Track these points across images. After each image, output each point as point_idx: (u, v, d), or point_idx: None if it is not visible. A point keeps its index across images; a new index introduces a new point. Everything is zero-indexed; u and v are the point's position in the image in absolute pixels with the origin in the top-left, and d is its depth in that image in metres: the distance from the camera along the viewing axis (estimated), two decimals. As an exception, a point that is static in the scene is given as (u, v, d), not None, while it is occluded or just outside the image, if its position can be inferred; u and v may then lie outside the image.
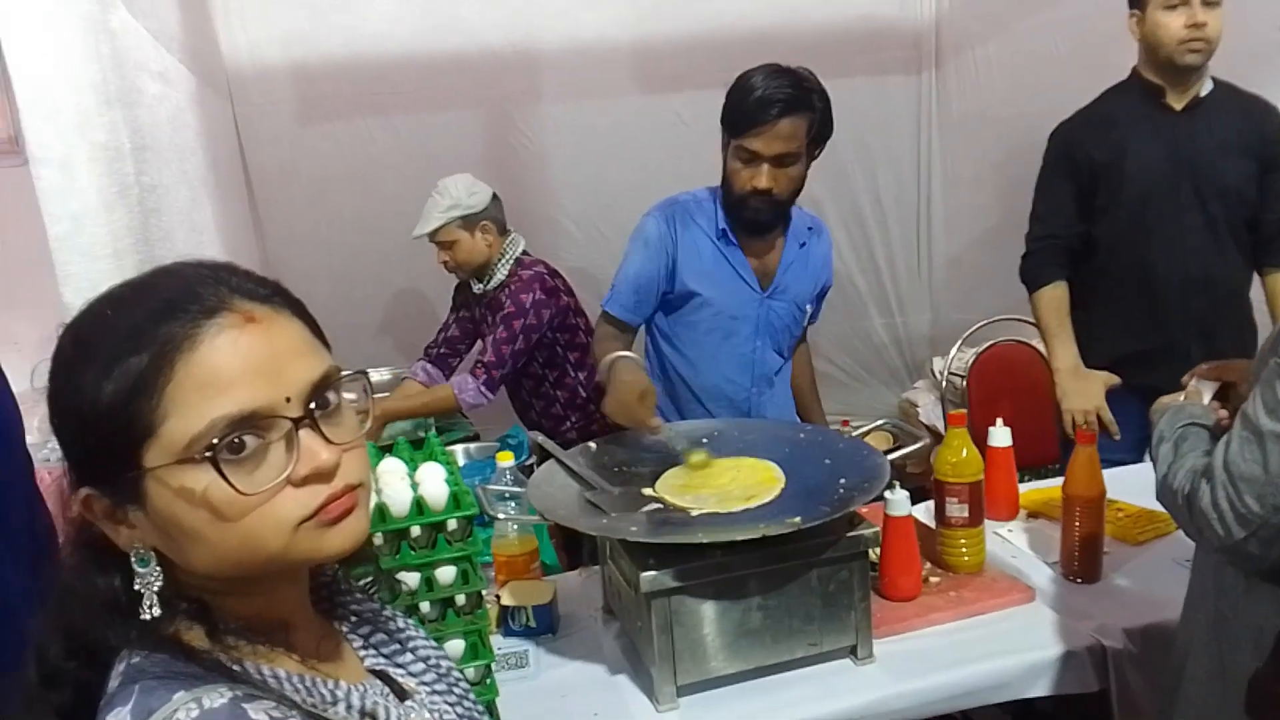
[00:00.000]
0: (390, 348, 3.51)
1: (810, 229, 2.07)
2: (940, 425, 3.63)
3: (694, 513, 1.45)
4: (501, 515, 1.55)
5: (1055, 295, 2.33)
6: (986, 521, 1.71)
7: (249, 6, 3.30)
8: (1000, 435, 1.86)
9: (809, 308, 2.11)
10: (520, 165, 3.70)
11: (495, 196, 2.74)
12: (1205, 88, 2.20)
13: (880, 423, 2.41)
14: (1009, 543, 1.80)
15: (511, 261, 2.67)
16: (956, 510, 1.64)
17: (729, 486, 1.52)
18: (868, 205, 4.07)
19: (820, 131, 1.87)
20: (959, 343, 3.14)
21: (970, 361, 2.92)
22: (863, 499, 1.39)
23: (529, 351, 2.57)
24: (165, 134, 1.52)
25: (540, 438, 1.69)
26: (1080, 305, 2.33)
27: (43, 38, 1.06)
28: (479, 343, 2.77)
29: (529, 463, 2.15)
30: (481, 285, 2.71)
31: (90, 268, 1.10)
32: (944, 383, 3.11)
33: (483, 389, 2.49)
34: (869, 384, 4.27)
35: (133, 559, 0.67)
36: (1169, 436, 1.25)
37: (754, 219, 1.93)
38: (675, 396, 2.10)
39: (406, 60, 3.48)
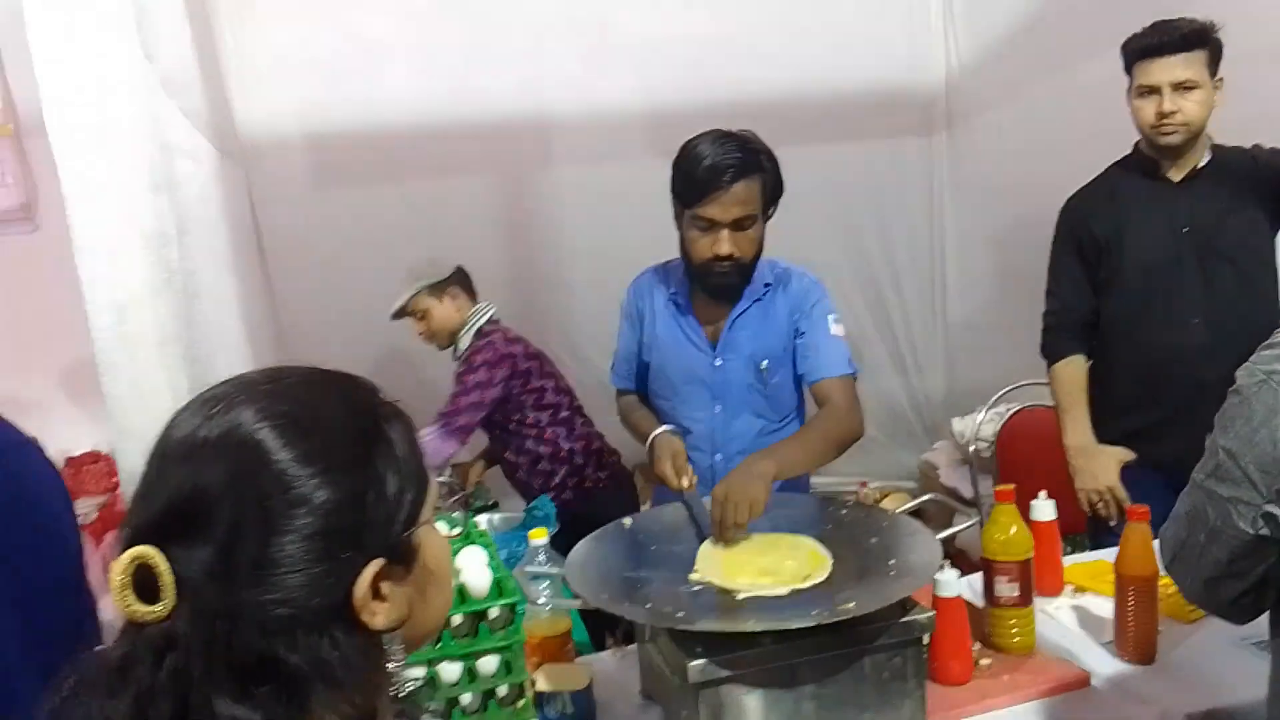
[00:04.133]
0: (410, 413, 3.48)
1: (769, 285, 1.98)
2: (962, 488, 3.58)
3: (740, 595, 1.40)
4: (543, 601, 1.50)
5: (1069, 371, 2.31)
6: (1034, 598, 1.66)
7: (263, 74, 3.32)
8: (1044, 509, 1.81)
9: (765, 364, 1.96)
10: (534, 230, 3.72)
11: (460, 268, 2.87)
12: (1203, 158, 2.19)
13: (913, 492, 2.32)
14: (1057, 621, 1.74)
15: (475, 329, 2.80)
16: (1006, 590, 1.59)
17: (776, 566, 1.47)
18: (882, 266, 4.08)
19: (773, 192, 1.88)
20: (985, 409, 3.10)
21: (997, 428, 2.88)
22: (917, 582, 1.34)
23: (488, 407, 2.69)
24: (197, 213, 1.50)
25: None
26: (1093, 381, 2.31)
27: (90, 122, 1.05)
28: None
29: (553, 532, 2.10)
30: (454, 353, 2.85)
31: (134, 357, 1.07)
32: (972, 448, 3.06)
33: (438, 435, 2.60)
34: (886, 445, 4.22)
35: (386, 642, 0.71)
36: None
37: (721, 284, 1.91)
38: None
39: (420, 127, 3.50)
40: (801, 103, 3.79)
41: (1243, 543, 1.05)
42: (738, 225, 1.83)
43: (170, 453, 0.67)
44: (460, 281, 2.84)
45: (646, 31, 3.58)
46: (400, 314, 2.85)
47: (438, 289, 2.78)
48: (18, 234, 2.96)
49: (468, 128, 3.53)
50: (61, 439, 3.19)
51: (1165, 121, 2.10)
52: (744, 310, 1.97)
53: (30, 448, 0.96)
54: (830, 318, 1.97)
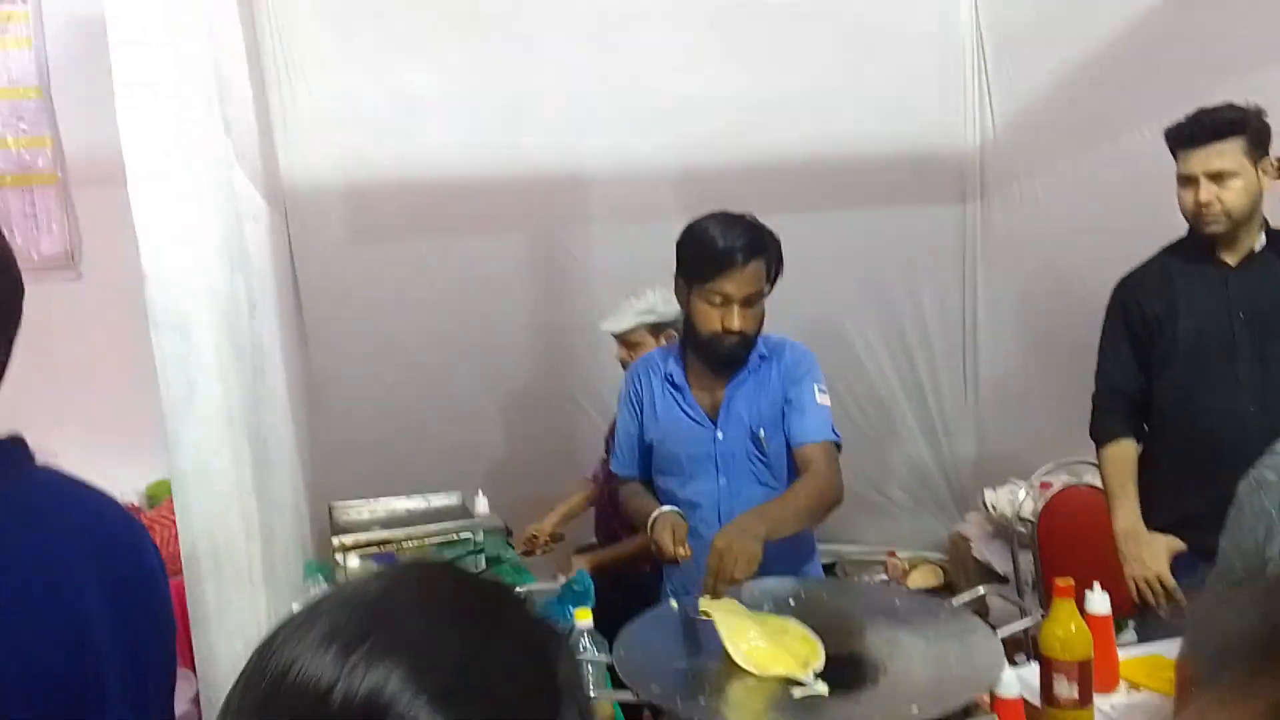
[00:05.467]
0: (442, 468, 3.41)
1: (763, 356, 2.05)
2: (994, 562, 3.52)
3: (797, 694, 1.37)
4: (592, 695, 1.46)
5: (1118, 453, 2.28)
6: (1090, 694, 1.61)
7: (307, 126, 3.35)
8: (1099, 602, 1.76)
9: (762, 432, 2.01)
10: (568, 285, 3.72)
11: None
12: (1259, 242, 2.17)
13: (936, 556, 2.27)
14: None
15: None
16: (1066, 691, 1.55)
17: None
18: (913, 331, 4.06)
19: (775, 269, 1.98)
20: (1026, 486, 3.05)
21: (1037, 506, 2.83)
22: (983, 685, 1.31)
23: None
24: (263, 283, 1.50)
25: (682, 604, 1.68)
26: (1143, 465, 2.28)
27: (174, 195, 1.05)
28: None
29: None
30: None
31: (203, 434, 1.06)
32: (1017, 526, 3.01)
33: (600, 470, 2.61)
34: (915, 513, 4.18)
35: None
36: None
37: (730, 355, 1.99)
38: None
39: (458, 182, 3.52)
40: (835, 166, 3.81)
41: None
42: (747, 301, 1.93)
43: (283, 699, 0.50)
44: (677, 326, 2.79)
45: (681, 92, 3.61)
46: (616, 335, 2.83)
47: (658, 329, 2.76)
48: (60, 281, 2.98)
49: (504, 183, 3.55)
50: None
51: (1205, 211, 2.09)
52: (741, 382, 2.03)
53: (144, 533, 0.92)
54: (816, 386, 2.04)
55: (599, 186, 3.68)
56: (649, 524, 1.89)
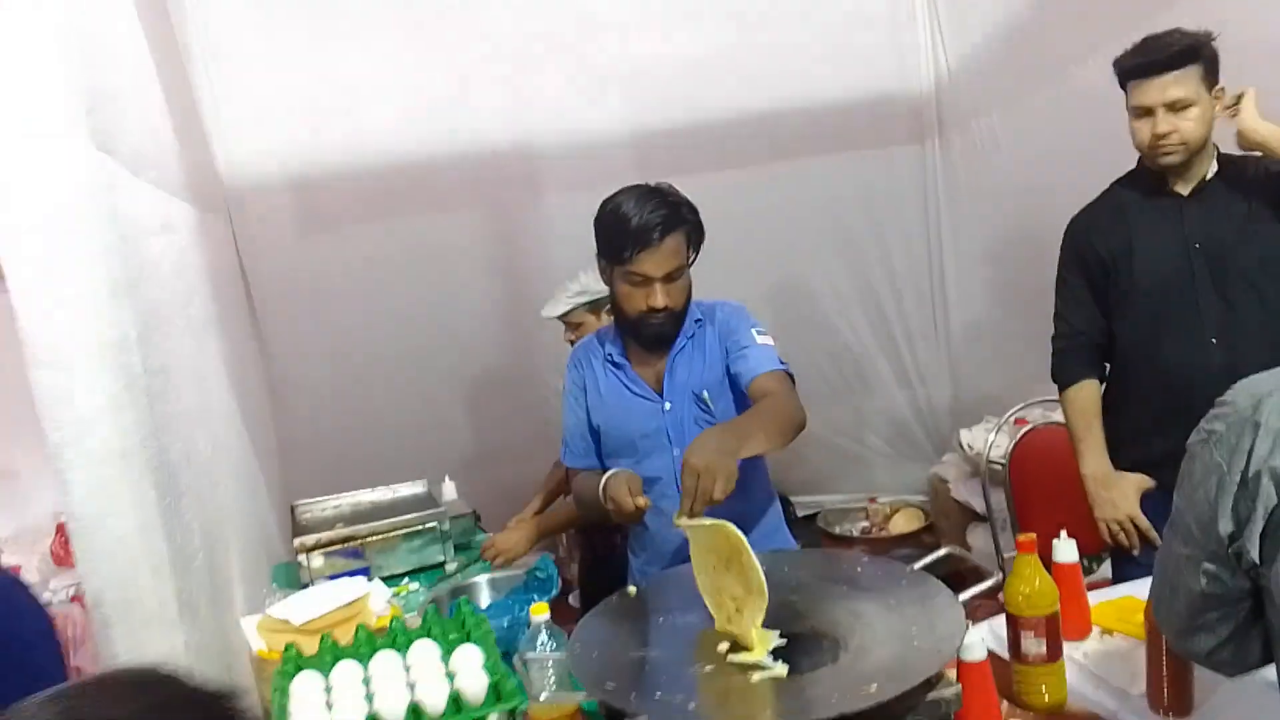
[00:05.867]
0: (412, 458, 3.36)
1: (699, 320, 2.03)
2: (973, 501, 3.52)
3: (754, 678, 1.33)
4: (545, 697, 1.42)
5: (1082, 396, 2.24)
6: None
7: (244, 120, 3.26)
8: (1066, 550, 1.74)
9: (705, 393, 1.98)
10: (524, 260, 3.65)
11: None
12: (1210, 170, 2.12)
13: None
14: (1087, 669, 1.67)
15: None
16: (1034, 646, 1.52)
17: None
18: (881, 278, 4.02)
19: (696, 240, 1.94)
20: (997, 426, 3.03)
21: (1009, 446, 2.80)
22: (943, 658, 1.28)
23: None
24: (170, 294, 1.43)
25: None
26: (1108, 406, 2.24)
27: (37, 230, 0.98)
28: None
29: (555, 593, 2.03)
30: None
31: (94, 474, 1.01)
32: (984, 467, 3.00)
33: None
34: (893, 460, 4.18)
35: None
36: None
37: (657, 334, 1.96)
38: (632, 531, 2.09)
39: (405, 164, 3.45)
40: (789, 118, 3.74)
41: (1194, 598, 1.08)
42: (669, 278, 1.89)
43: None
44: None
45: (627, 55, 3.53)
46: (554, 318, 2.83)
47: (596, 306, 2.75)
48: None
49: (452, 162, 3.48)
50: (46, 505, 3.13)
51: (1162, 143, 2.03)
52: (680, 349, 2.01)
53: (15, 587, 0.89)
54: (754, 330, 2.01)
55: (550, 158, 3.61)
56: (600, 489, 1.83)
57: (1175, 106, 2.01)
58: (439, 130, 3.44)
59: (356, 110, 3.35)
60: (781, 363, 1.98)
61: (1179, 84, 1.99)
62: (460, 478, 3.01)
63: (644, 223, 1.83)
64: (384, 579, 2.39)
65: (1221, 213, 2.09)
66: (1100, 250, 2.18)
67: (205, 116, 3.13)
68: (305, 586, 2.21)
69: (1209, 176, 2.11)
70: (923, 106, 3.92)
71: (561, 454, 2.12)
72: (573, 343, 2.76)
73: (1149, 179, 2.16)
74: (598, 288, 2.69)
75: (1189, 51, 1.99)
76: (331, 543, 2.38)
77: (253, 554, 2.22)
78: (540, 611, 1.56)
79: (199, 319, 1.86)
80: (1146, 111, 2.04)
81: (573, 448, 2.08)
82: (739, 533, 1.46)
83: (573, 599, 3.19)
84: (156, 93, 1.88)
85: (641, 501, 1.74)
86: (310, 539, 2.37)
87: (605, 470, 1.92)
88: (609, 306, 2.67)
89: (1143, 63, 2.03)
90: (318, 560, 2.36)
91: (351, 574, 2.17)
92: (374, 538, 2.42)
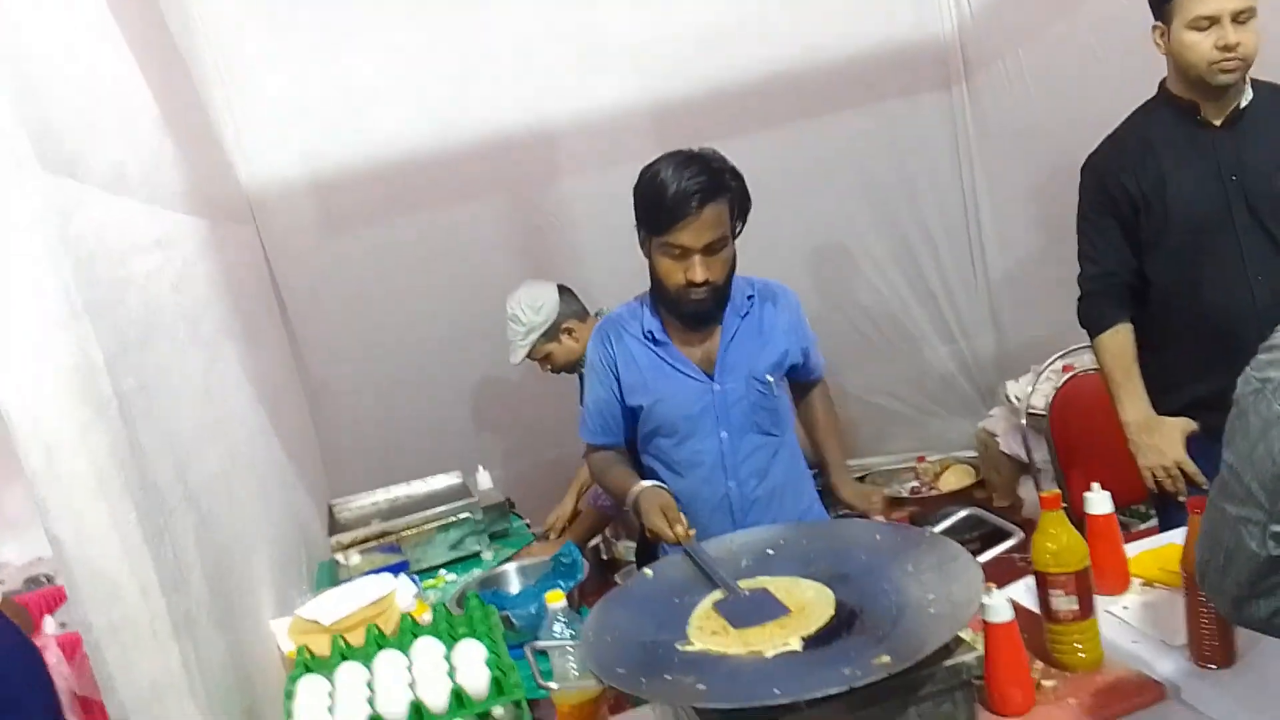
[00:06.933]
0: (447, 451, 3.36)
1: (751, 297, 1.95)
2: (1022, 453, 3.42)
3: (769, 654, 1.30)
4: (555, 687, 1.41)
5: (1117, 341, 2.14)
6: (1096, 598, 1.52)
7: (261, 130, 3.28)
8: (1099, 502, 1.67)
9: (770, 377, 1.93)
10: (546, 243, 3.63)
11: (562, 291, 2.80)
12: (1245, 97, 1.99)
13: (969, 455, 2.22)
14: (1126, 623, 1.60)
15: None
16: (1064, 604, 1.46)
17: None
18: (914, 231, 3.91)
19: (741, 208, 1.85)
20: (1036, 375, 2.94)
21: (1050, 394, 2.72)
22: (958, 624, 1.23)
23: None
24: (156, 311, 1.44)
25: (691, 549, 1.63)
26: (1145, 348, 2.13)
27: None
28: None
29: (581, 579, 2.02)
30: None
31: (70, 498, 1.01)
32: (1024, 419, 2.91)
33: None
34: (941, 416, 4.08)
35: None
36: None
37: (699, 310, 1.86)
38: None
39: (424, 157, 3.44)
40: (810, 75, 3.64)
41: (1259, 563, 0.97)
42: (709, 249, 1.79)
43: None
44: (568, 314, 2.78)
45: (636, 29, 3.47)
46: (519, 361, 2.83)
47: (551, 334, 2.74)
48: None
49: (471, 150, 3.46)
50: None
51: (1229, 56, 1.89)
52: (736, 329, 1.92)
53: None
54: (808, 325, 2.07)
55: (565, 139, 3.57)
56: (632, 505, 1.81)
57: (1240, 17, 1.88)
58: (452, 121, 3.42)
59: (370, 107, 3.34)
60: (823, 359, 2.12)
61: None
62: (498, 466, 3.02)
63: (682, 191, 1.73)
64: (420, 571, 2.41)
65: (1258, 142, 1.98)
66: (1129, 187, 2.07)
67: (222, 128, 3.15)
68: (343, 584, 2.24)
69: (1243, 105, 1.99)
70: (946, 51, 3.80)
71: (580, 429, 2.06)
72: (553, 369, 2.84)
73: (1177, 108, 2.04)
74: (536, 319, 2.71)
75: None
76: (367, 539, 2.40)
77: (289, 557, 2.25)
78: (555, 599, 1.55)
79: (209, 332, 1.88)
80: (1210, 22, 1.89)
81: (590, 425, 2.02)
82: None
83: (619, 577, 3.19)
84: (146, 109, 1.88)
85: (682, 531, 1.67)
86: (346, 537, 2.40)
87: (628, 449, 1.92)
88: (564, 326, 2.72)
89: None
90: (355, 557, 2.38)
91: (391, 569, 2.18)
92: (409, 531, 2.44)
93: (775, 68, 3.60)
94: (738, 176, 1.83)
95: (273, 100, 3.27)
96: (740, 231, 1.87)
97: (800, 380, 2.10)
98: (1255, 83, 2.00)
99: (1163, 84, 2.08)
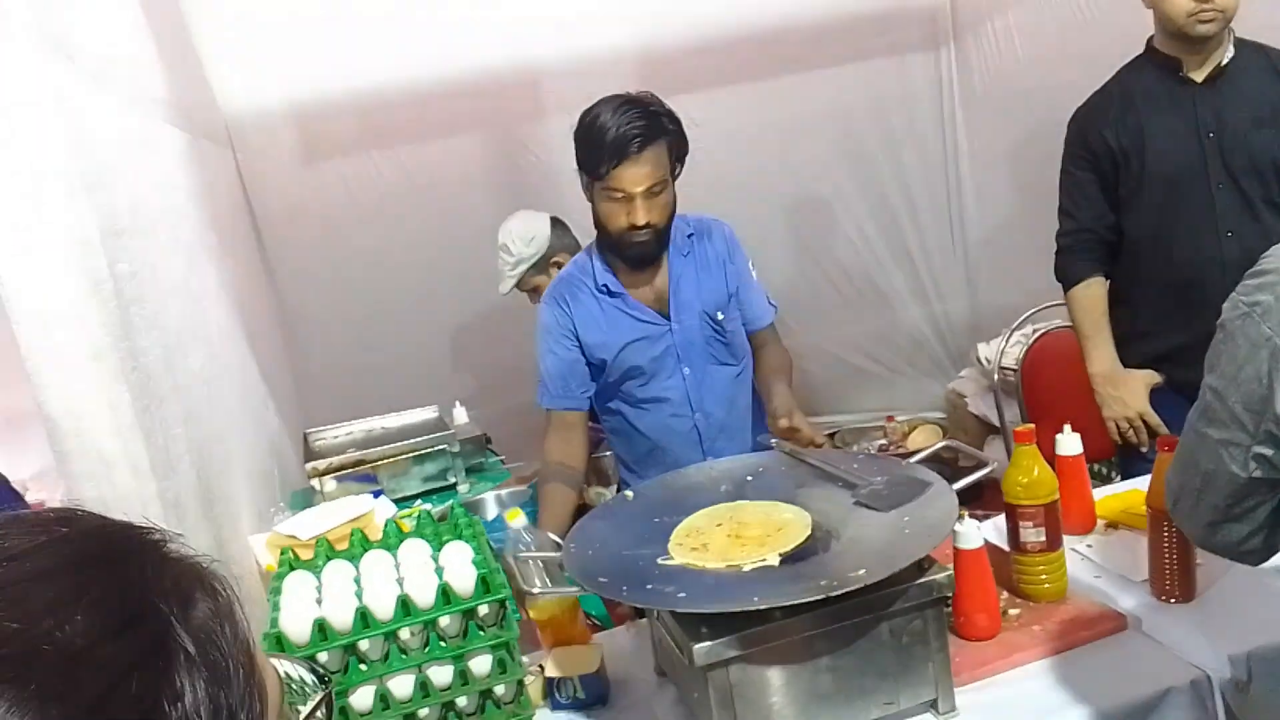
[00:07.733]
0: (421, 385, 3.34)
1: (690, 235, 2.00)
2: (991, 415, 3.47)
3: (746, 568, 1.33)
4: (537, 590, 1.43)
5: (1089, 294, 2.19)
6: (1063, 537, 1.57)
7: (243, 52, 3.20)
8: (1070, 443, 1.72)
9: (721, 314, 1.99)
10: (530, 183, 3.60)
11: (555, 224, 2.77)
12: (1227, 54, 2.02)
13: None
14: (1090, 560, 1.66)
15: None
16: (1032, 535, 1.51)
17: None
18: (895, 191, 3.93)
19: (679, 152, 1.87)
20: (1007, 335, 2.98)
21: (1021, 353, 2.76)
22: (932, 542, 1.26)
23: None
24: (142, 202, 1.42)
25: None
26: (1116, 301, 2.19)
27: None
28: None
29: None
30: None
31: (64, 373, 1.01)
32: (995, 376, 2.96)
33: None
34: (911, 377, 4.13)
35: None
36: None
37: (641, 252, 1.90)
38: (635, 453, 2.07)
39: (407, 90, 3.39)
40: (797, 28, 3.62)
41: (1238, 486, 1.00)
42: (649, 192, 1.82)
43: None
44: (560, 247, 2.73)
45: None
46: (508, 291, 2.80)
47: (541, 266, 2.70)
48: None
49: (456, 85, 3.41)
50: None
51: (1206, 7, 1.92)
52: (680, 268, 1.97)
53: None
54: (749, 266, 2.05)
55: (552, 78, 3.53)
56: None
57: None
58: (436, 54, 3.36)
59: (354, 37, 3.28)
60: (771, 303, 2.08)
61: None
62: (473, 404, 3.01)
63: (621, 134, 1.76)
64: (396, 501, 2.42)
65: (1238, 100, 2.01)
66: (1110, 141, 2.11)
67: (201, 47, 3.08)
68: (319, 507, 2.23)
69: (1224, 62, 2.02)
70: (937, 11, 3.80)
71: (538, 396, 2.04)
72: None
73: (1160, 64, 2.07)
74: (527, 251, 2.68)
75: None
76: (343, 466, 2.40)
77: (265, 478, 2.24)
78: (514, 516, 1.57)
79: (188, 240, 1.85)
80: None
81: (551, 389, 2.01)
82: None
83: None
84: (127, 9, 1.83)
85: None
86: (322, 463, 2.40)
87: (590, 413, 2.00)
88: (554, 260, 2.68)
89: None
90: (330, 484, 2.38)
91: (369, 497, 2.19)
92: (384, 461, 2.44)
93: (765, 19, 3.58)
94: (675, 120, 1.86)
95: (255, 26, 3.20)
96: (679, 174, 1.90)
97: (747, 330, 2.06)
98: (1239, 41, 2.03)
99: (1149, 41, 2.11)
